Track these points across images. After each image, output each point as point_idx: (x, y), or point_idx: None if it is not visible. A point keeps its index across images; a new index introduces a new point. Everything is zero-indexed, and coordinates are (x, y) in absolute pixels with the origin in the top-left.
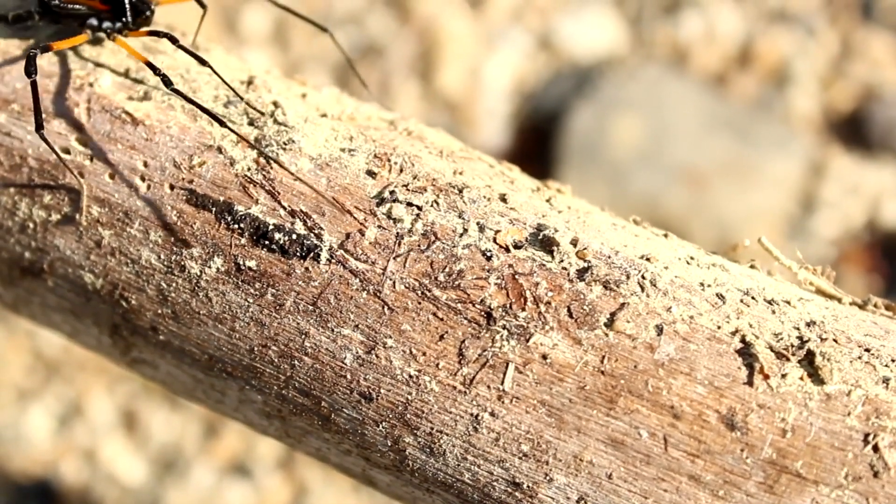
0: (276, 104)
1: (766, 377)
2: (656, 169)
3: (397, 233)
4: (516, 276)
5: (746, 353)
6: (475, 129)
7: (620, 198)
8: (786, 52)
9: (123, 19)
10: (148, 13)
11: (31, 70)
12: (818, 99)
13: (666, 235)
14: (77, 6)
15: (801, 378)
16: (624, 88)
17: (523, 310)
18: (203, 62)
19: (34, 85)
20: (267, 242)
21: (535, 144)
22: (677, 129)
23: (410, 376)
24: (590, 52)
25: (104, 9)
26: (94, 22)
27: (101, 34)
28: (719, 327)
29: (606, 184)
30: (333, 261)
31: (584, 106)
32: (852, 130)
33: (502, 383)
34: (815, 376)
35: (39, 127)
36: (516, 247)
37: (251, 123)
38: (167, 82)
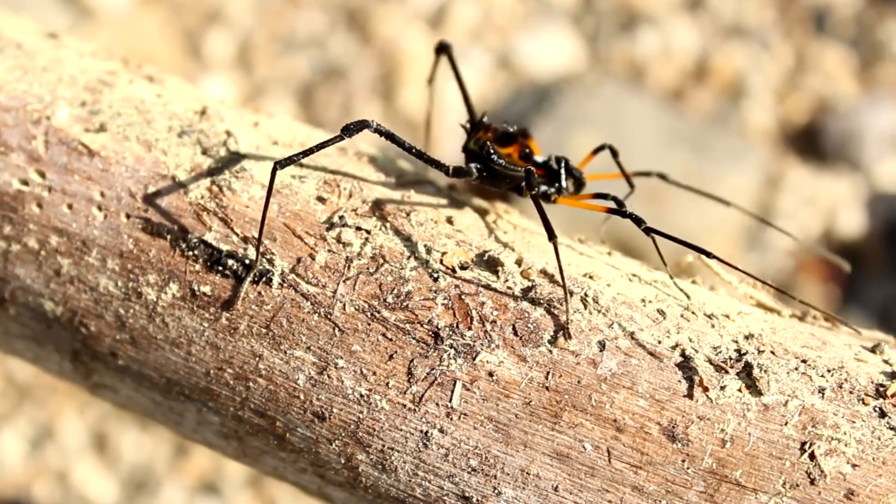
0: (228, 133)
1: (706, 389)
2: (614, 184)
3: (347, 256)
4: (462, 297)
5: (686, 366)
6: (436, 148)
7: (579, 213)
8: (741, 67)
9: (558, 185)
10: (584, 183)
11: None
12: (773, 112)
13: (610, 254)
14: (518, 168)
15: (740, 390)
16: (582, 105)
17: (469, 329)
18: (553, 236)
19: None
20: (220, 268)
21: None
22: (635, 144)
23: (361, 395)
24: (548, 70)
25: (540, 173)
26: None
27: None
28: (660, 342)
29: None
30: (285, 285)
31: (543, 123)
32: (807, 142)
33: (450, 401)
34: (753, 388)
35: (552, 236)
36: (462, 268)
37: (204, 153)
38: (638, 221)
